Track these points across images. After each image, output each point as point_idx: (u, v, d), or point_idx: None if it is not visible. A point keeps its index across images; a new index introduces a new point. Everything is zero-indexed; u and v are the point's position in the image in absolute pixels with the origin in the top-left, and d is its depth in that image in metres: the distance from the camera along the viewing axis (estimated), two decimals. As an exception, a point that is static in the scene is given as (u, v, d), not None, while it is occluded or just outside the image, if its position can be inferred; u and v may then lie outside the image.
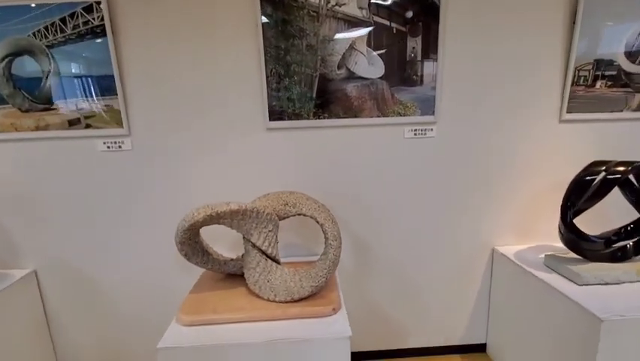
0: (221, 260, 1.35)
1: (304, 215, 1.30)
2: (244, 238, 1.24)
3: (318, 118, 1.51)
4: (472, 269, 1.72)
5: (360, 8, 1.44)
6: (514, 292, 1.56)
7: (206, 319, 1.13)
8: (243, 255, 1.35)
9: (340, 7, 1.43)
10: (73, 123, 1.47)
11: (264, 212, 1.19)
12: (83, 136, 1.48)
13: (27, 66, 1.41)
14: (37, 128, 1.46)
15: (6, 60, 1.39)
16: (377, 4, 1.42)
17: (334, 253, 1.21)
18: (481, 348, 1.83)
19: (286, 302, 1.19)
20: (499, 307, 1.69)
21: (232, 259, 1.36)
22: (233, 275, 1.40)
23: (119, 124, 1.48)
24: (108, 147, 1.50)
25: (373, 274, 1.70)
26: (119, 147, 1.50)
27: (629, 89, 1.55)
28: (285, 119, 1.51)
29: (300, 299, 1.19)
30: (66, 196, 1.54)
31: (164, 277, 1.64)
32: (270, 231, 1.23)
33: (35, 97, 1.43)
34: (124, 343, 1.71)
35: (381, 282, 1.71)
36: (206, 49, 1.44)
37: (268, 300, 1.20)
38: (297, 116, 1.51)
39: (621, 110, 1.57)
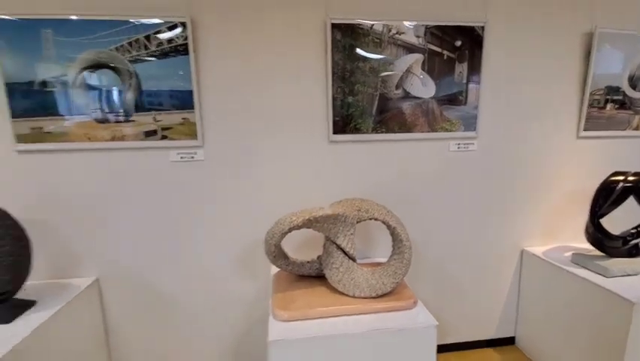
0: (298, 262, 1.46)
1: (376, 219, 1.44)
2: (328, 240, 1.36)
3: (376, 132, 1.68)
4: (503, 269, 1.93)
5: (417, 37, 1.63)
6: (545, 288, 1.77)
7: (304, 314, 1.23)
8: (319, 257, 1.47)
9: (400, 35, 1.61)
10: (149, 134, 1.53)
11: (349, 217, 1.32)
12: (158, 147, 1.55)
13: (106, 79, 1.46)
14: (113, 139, 1.51)
15: (85, 72, 1.45)
16: (431, 33, 1.62)
17: (409, 253, 1.36)
18: (510, 341, 2.02)
19: (370, 298, 1.32)
20: (528, 302, 1.90)
21: (308, 262, 1.47)
22: (303, 276, 1.50)
23: (193, 136, 1.56)
24: (181, 158, 1.57)
25: (418, 273, 1.85)
26: (192, 157, 1.58)
27: (631, 112, 1.85)
28: (347, 133, 1.65)
29: (382, 295, 1.33)
30: (134, 205, 1.58)
31: (227, 286, 1.71)
32: (351, 234, 1.36)
33: (113, 109, 1.49)
34: (185, 352, 1.74)
35: (424, 280, 1.87)
36: (278, 67, 1.57)
37: (353, 296, 1.33)
38: (358, 131, 1.66)
39: (624, 129, 1.86)
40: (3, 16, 1.36)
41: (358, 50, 1.59)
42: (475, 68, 1.68)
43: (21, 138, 1.46)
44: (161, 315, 1.70)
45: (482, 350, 1.99)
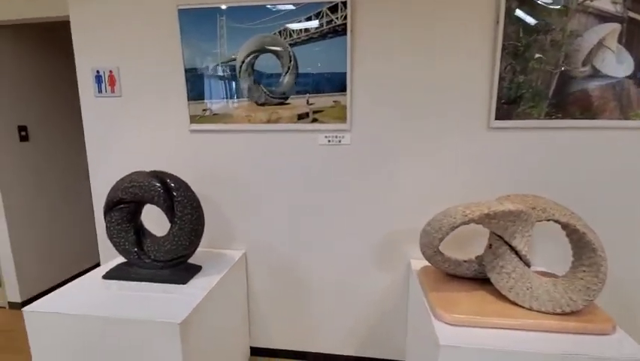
0: (454, 260, 1.32)
1: (557, 221, 1.21)
2: (498, 240, 1.19)
3: (550, 118, 1.42)
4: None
5: (614, 3, 1.31)
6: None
7: (471, 320, 1.09)
8: (477, 257, 1.31)
9: (592, 1, 1.32)
10: (301, 117, 1.55)
11: (531, 215, 1.12)
12: (309, 130, 1.56)
13: (268, 63, 1.52)
14: (269, 121, 1.57)
15: (251, 56, 1.52)
16: (638, -3, 1.29)
17: (605, 266, 1.10)
18: None
19: (551, 314, 1.11)
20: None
21: (465, 261, 1.32)
22: (454, 276, 1.36)
23: (343, 119, 1.53)
24: (329, 141, 1.57)
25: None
26: (339, 141, 1.56)
27: None
28: (512, 119, 1.43)
29: (568, 313, 1.11)
30: (281, 186, 1.64)
31: (362, 274, 1.67)
32: (529, 236, 1.16)
33: (272, 92, 1.54)
34: (312, 334, 1.78)
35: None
36: (435, 45, 1.43)
37: (529, 309, 1.14)
38: (527, 116, 1.42)
39: None
40: (187, 6, 1.51)
41: (537, 21, 1.35)
42: (703, 36, 1.29)
43: (193, 119, 1.62)
44: (295, 297, 1.75)
45: None
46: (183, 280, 1.37)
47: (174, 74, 1.60)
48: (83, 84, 1.69)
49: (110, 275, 1.41)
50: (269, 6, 1.47)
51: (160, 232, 1.49)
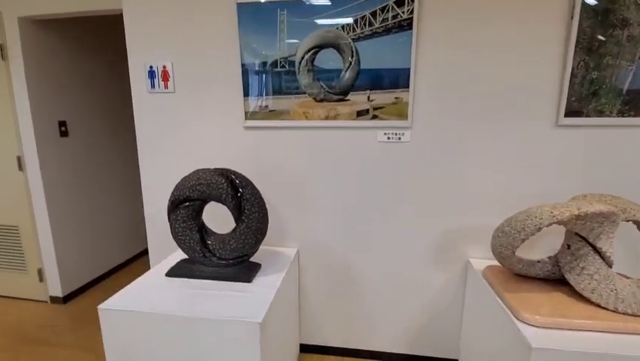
0: (527, 261, 1.29)
1: (637, 222, 1.19)
2: (580, 241, 1.16)
3: (623, 116, 1.38)
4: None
5: (697, -7, 1.27)
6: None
7: (561, 323, 1.07)
8: (550, 258, 1.29)
9: (673, -7, 1.27)
10: (361, 114, 1.53)
11: (619, 217, 1.10)
12: (368, 127, 1.54)
13: (329, 58, 1.49)
14: (327, 118, 1.55)
15: (311, 52, 1.49)
16: None
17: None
18: None
19: (637, 316, 1.09)
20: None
21: (538, 262, 1.30)
22: (524, 277, 1.34)
23: (403, 116, 1.50)
24: (388, 138, 1.54)
25: None
26: (399, 138, 1.53)
27: None
28: (582, 116, 1.40)
29: (656, 315, 1.09)
30: (337, 183, 1.62)
31: (416, 273, 1.65)
32: (613, 236, 1.13)
33: (331, 88, 1.52)
34: (364, 331, 1.77)
35: None
36: (503, 41, 1.40)
37: (614, 310, 1.12)
38: (598, 113, 1.39)
39: None
40: (247, 0, 1.48)
41: (615, 15, 1.30)
42: None
43: (249, 115, 1.60)
44: (346, 295, 1.74)
45: None
46: (248, 279, 1.36)
47: (230, 70, 1.57)
48: (135, 80, 1.67)
49: (173, 273, 1.40)
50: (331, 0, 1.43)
51: (216, 229, 1.48)
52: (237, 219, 1.34)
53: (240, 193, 1.30)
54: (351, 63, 1.48)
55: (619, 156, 1.41)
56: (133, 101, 1.70)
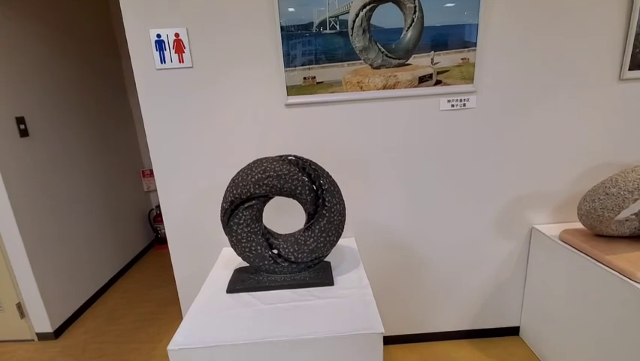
0: (616, 221, 1.26)
1: None
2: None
3: (682, 66, 1.37)
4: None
5: None
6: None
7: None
8: (636, 214, 1.27)
9: None
10: (423, 80, 1.35)
11: None
12: (431, 94, 1.37)
13: (387, 15, 1.27)
14: (385, 87, 1.35)
15: (367, 8, 1.26)
16: None
17: None
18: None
19: None
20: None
21: (627, 220, 1.27)
22: (602, 236, 1.32)
23: (469, 80, 1.36)
24: (452, 106, 1.39)
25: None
26: (464, 105, 1.39)
27: None
28: (645, 69, 1.37)
29: None
30: (395, 160, 1.45)
31: (479, 248, 1.58)
32: None
33: (391, 51, 1.31)
34: (426, 314, 1.68)
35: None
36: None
37: None
38: (660, 65, 1.37)
39: None
40: (286, -54, 1.19)
41: (685, -42, 1.26)
42: None
43: (291, 90, 1.34)
44: (406, 278, 1.62)
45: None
46: (331, 281, 1.16)
47: (265, 35, 1.29)
48: (136, 53, 1.31)
49: (235, 288, 1.15)
50: (389, -57, 1.21)
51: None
52: (313, 215, 1.12)
53: (319, 184, 1.08)
54: (413, 20, 1.28)
55: (679, 106, 1.42)
56: (136, 81, 1.34)
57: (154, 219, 3.10)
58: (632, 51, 1.35)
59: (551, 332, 1.48)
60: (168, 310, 2.13)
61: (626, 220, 1.27)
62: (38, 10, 1.91)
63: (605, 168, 1.48)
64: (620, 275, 1.13)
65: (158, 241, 3.09)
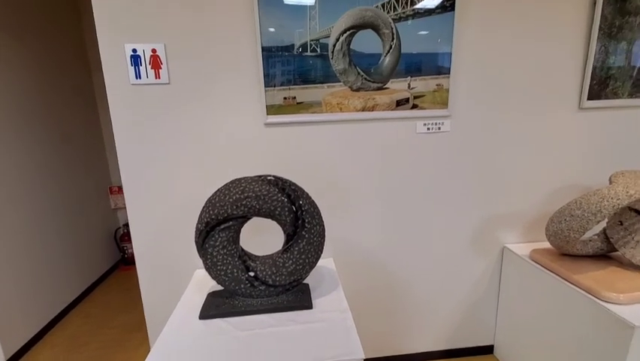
0: (581, 241, 1.33)
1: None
2: (633, 217, 1.22)
3: (631, 97, 1.50)
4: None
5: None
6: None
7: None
8: (598, 235, 1.34)
9: (671, -17, 1.41)
10: (400, 104, 1.39)
11: (672, 190, 1.17)
12: (407, 117, 1.41)
13: (367, 41, 1.31)
14: (364, 109, 1.38)
15: (347, 33, 1.30)
16: None
17: None
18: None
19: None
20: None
21: (590, 240, 1.34)
22: (568, 256, 1.38)
23: (444, 105, 1.41)
24: (428, 129, 1.44)
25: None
26: (439, 128, 1.44)
27: None
28: (601, 99, 1.49)
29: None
30: (373, 180, 1.47)
31: (453, 268, 1.60)
32: (662, 209, 1.22)
33: (369, 75, 1.34)
34: (403, 335, 1.67)
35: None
36: (530, 31, 1.40)
37: (671, 278, 1.20)
38: (614, 95, 1.49)
39: None
40: (268, -30, 1.21)
41: (632, 3, 1.39)
42: None
43: (271, 109, 1.34)
44: (383, 298, 1.61)
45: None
46: (309, 304, 1.13)
47: (246, 54, 1.29)
48: (109, 68, 1.26)
49: (208, 314, 1.10)
50: (369, -27, 1.26)
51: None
52: (292, 236, 1.10)
53: (298, 205, 1.06)
54: (391, 47, 1.32)
55: (635, 134, 1.54)
56: (108, 98, 1.28)
57: (120, 238, 2.94)
58: (590, 83, 1.46)
59: (524, 349, 1.51)
60: (134, 336, 2.00)
61: (590, 240, 1.34)
62: None
63: (569, 190, 1.57)
64: (587, 294, 1.18)
65: (124, 261, 2.93)
